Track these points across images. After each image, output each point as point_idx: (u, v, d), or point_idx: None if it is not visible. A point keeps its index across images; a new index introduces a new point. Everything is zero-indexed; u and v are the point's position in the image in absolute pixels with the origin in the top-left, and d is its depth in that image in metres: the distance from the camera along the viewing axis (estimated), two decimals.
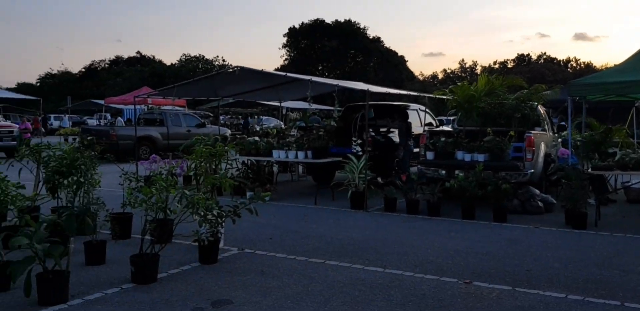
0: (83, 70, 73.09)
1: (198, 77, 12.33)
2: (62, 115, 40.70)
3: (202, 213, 5.34)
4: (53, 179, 6.42)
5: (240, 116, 37.89)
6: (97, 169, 6.95)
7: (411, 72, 68.84)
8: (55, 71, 71.91)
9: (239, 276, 5.13)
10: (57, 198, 6.67)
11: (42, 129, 27.12)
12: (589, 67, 70.44)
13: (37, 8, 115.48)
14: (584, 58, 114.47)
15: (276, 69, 48.06)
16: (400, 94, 12.28)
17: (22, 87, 63.27)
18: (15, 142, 18.05)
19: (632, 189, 9.73)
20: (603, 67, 58.40)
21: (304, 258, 5.81)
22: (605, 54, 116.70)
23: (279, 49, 62.49)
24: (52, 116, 41.45)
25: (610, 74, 8.90)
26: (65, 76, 70.72)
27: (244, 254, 5.95)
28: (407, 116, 11.95)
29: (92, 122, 35.93)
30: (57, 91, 61.01)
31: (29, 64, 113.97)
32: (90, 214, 5.39)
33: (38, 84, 69.53)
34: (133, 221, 6.60)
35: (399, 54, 65.35)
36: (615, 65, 10.40)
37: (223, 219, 5.51)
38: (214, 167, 6.51)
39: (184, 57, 68.11)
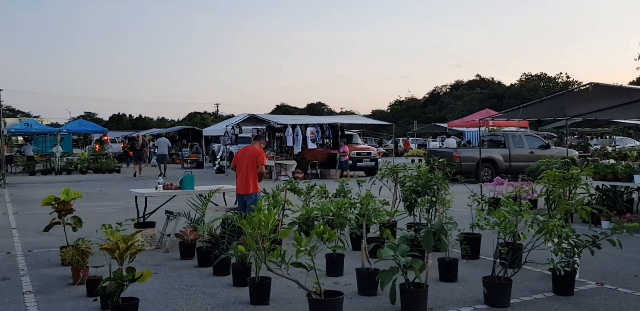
0: (427, 95, 78.53)
1: (544, 98, 11.86)
2: (410, 138, 44.44)
3: (556, 241, 5.10)
4: (410, 197, 7.07)
5: (589, 136, 34.77)
6: (449, 190, 7.36)
7: None
8: (402, 98, 79.28)
9: None
10: (413, 215, 7.30)
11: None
12: None
13: (383, 42, 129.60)
14: None
15: (630, 83, 42.53)
16: None
17: (375, 114, 71.63)
18: (374, 162, 20.52)
19: None
20: None
21: None
22: None
23: (635, 60, 55.23)
24: (401, 139, 45.67)
25: None
26: (412, 102, 77.23)
27: (604, 290, 5.41)
28: None
29: (435, 144, 38.06)
30: (404, 116, 67.00)
31: (381, 93, 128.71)
32: (444, 233, 5.72)
33: (389, 111, 77.63)
34: (481, 242, 6.72)
35: None
36: None
37: (580, 249, 5.15)
38: (568, 192, 6.14)
39: (524, 76, 66.41)
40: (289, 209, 7.67)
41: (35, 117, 46.52)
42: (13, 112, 66.88)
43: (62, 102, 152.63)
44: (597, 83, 9.46)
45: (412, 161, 28.84)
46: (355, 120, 26.01)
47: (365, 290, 5.24)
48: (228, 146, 22.73)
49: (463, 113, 44.38)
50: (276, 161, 19.35)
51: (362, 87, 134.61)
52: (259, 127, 22.19)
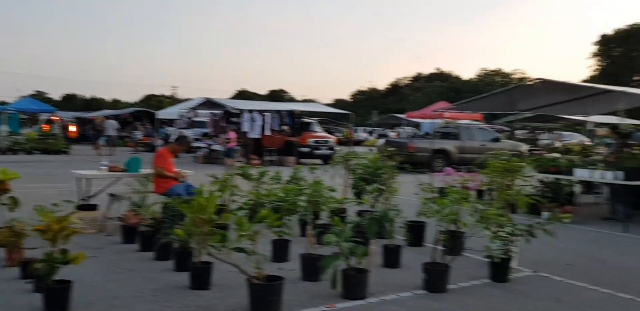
0: (388, 86, 79.26)
1: (495, 91, 12.14)
2: (372, 128, 44.93)
3: (495, 229, 5.26)
4: (359, 185, 7.13)
5: (538, 131, 35.82)
6: (397, 178, 7.45)
7: None
8: (364, 88, 79.83)
9: (533, 300, 4.87)
10: (361, 202, 7.36)
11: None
12: None
13: (347, 32, 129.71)
14: None
15: (582, 81, 43.94)
16: None
17: (337, 103, 71.83)
18: (331, 151, 20.56)
19: None
20: None
21: (609, 291, 5.19)
22: None
23: (586, 59, 57.20)
24: (363, 129, 46.13)
25: None
26: (373, 92, 77.83)
27: (538, 278, 5.61)
28: None
29: (393, 134, 38.51)
30: (365, 105, 67.43)
31: (344, 82, 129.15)
32: (389, 220, 5.80)
33: (351, 100, 78.02)
34: (426, 230, 6.86)
35: None
36: None
37: (516, 237, 5.32)
38: (508, 183, 6.32)
39: (482, 71, 67.79)
40: (237, 194, 7.62)
41: None
42: None
43: (11, 80, 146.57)
44: (545, 79, 9.75)
45: (371, 150, 29.13)
46: (314, 108, 25.99)
47: (309, 276, 5.27)
48: (182, 130, 22.38)
49: (422, 105, 44.96)
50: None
51: (326, 76, 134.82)
52: (215, 111, 21.92)
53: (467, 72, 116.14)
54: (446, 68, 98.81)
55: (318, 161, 20.56)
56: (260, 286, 4.35)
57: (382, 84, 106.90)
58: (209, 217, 4.58)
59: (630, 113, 19.67)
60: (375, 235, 5.46)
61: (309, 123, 22.88)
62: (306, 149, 20.82)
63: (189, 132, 21.49)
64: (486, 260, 5.44)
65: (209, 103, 21.75)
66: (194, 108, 22.60)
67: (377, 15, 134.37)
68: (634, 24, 55.15)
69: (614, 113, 10.63)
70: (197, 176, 8.83)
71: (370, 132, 43.38)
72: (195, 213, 4.52)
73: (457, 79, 69.33)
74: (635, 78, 54.52)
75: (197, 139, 21.93)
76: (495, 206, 5.65)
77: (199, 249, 4.87)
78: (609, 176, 8.85)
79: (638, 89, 14.62)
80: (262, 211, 4.98)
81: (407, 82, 78.19)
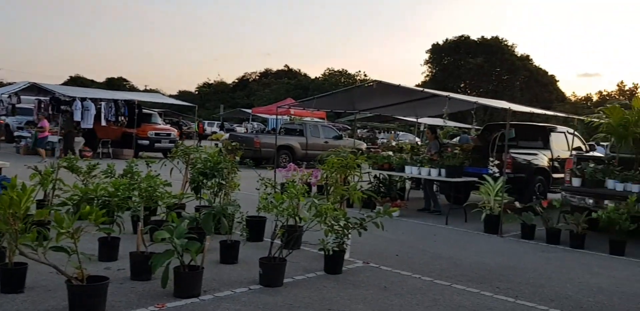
0: (236, 81, 78.72)
1: (337, 90, 12.61)
2: (222, 122, 44.18)
3: (330, 223, 5.42)
4: (198, 179, 6.92)
5: (377, 131, 38.15)
6: (238, 173, 7.38)
7: (562, 93, 64.49)
8: (212, 81, 78.31)
9: (362, 289, 5.10)
10: (200, 197, 7.16)
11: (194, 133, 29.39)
12: None
13: (195, 23, 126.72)
14: None
15: (417, 85, 47.69)
16: (547, 115, 11.53)
17: (182, 95, 69.61)
18: (173, 144, 19.83)
19: None
20: None
21: (429, 278, 5.63)
22: None
23: (421, 65, 62.23)
24: (216, 122, 45.22)
25: None
26: (221, 85, 76.72)
27: (369, 268, 5.91)
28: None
29: (240, 129, 38.37)
30: (212, 99, 66.27)
31: (190, 74, 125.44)
32: (227, 215, 5.69)
33: (197, 92, 76.06)
34: (266, 225, 6.87)
35: (550, 73, 61.74)
36: None
37: (349, 230, 5.54)
38: (344, 178, 6.58)
39: (328, 71, 70.43)
40: (60, 188, 6.96)
41: None
42: None
43: None
44: (381, 81, 10.32)
45: (216, 144, 28.66)
46: (156, 98, 24.88)
47: (139, 275, 4.97)
48: (3, 117, 20.04)
49: (270, 101, 45.45)
50: (59, 137, 17.53)
51: (171, 67, 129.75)
52: (41, 98, 19.93)
53: (314, 71, 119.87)
54: (295, 66, 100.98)
55: (159, 154, 19.74)
56: (80, 287, 3.99)
57: (230, 78, 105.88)
58: (22, 213, 4.09)
59: (454, 116, 21.71)
60: (212, 231, 5.33)
61: (149, 115, 21.83)
62: (146, 142, 19.85)
63: (10, 120, 19.31)
64: (321, 252, 5.60)
65: (35, 88, 19.70)
66: (16, 93, 20.31)
67: (228, 9, 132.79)
68: (461, 36, 61.28)
69: (441, 116, 11.60)
70: (17, 168, 7.93)
71: (222, 127, 42.69)
72: (5, 209, 4.00)
73: (305, 77, 71.23)
74: (462, 85, 60.66)
75: (19, 128, 19.77)
76: (331, 201, 5.83)
77: (12, 249, 4.34)
78: (433, 173, 9.65)
79: (461, 95, 16.18)
80: (83, 207, 4.57)
81: (255, 77, 78.44)
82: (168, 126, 23.34)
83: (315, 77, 69.66)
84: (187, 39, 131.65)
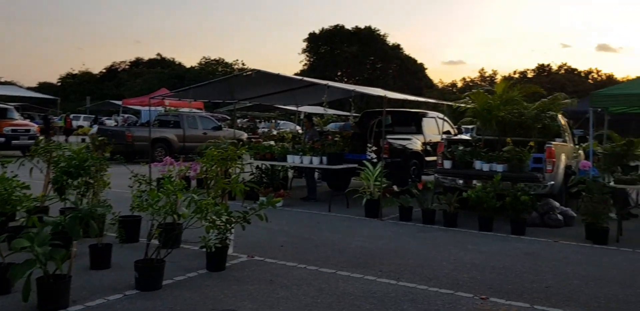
0: (104, 71, 73.99)
1: (214, 79, 12.22)
2: (90, 115, 41.29)
3: (211, 219, 5.19)
4: (61, 179, 6.32)
5: (257, 120, 37.87)
6: (109, 171, 6.85)
7: (430, 80, 68.36)
8: (76, 71, 72.85)
9: (247, 285, 4.95)
10: (65, 199, 6.56)
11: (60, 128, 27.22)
12: (610, 79, 69.20)
13: (57, 8, 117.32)
14: (606, 70, 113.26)
15: (296, 74, 48.01)
16: (418, 101, 12.05)
17: (43, 87, 64.11)
18: (32, 141, 18.14)
19: None
20: (624, 80, 57.40)
21: (314, 267, 5.62)
22: (628, 65, 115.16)
23: (299, 54, 62.80)
24: (82, 116, 42.08)
25: (634, 86, 8.61)
26: (86, 76, 71.62)
27: (253, 262, 5.77)
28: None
29: (110, 122, 36.14)
30: (77, 91, 61.76)
31: (51, 64, 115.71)
32: (96, 217, 5.25)
33: (59, 84, 70.42)
34: (142, 224, 6.46)
35: (418, 61, 65.07)
36: (638, 77, 10.19)
37: (232, 225, 5.35)
38: (224, 171, 6.34)
39: (204, 60, 68.52)
40: None
41: None
42: None
43: None
44: (260, 70, 10.13)
45: (83, 139, 26.78)
46: (12, 92, 22.65)
47: None
48: None
49: (142, 92, 43.23)
50: None
51: (29, 56, 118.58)
52: None
53: (189, 60, 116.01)
54: (168, 54, 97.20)
55: (17, 152, 18.01)
56: None
57: (97, 68, 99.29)
58: None
59: (333, 104, 22.09)
60: (80, 235, 4.88)
61: (5, 109, 19.80)
62: (1, 140, 18.01)
63: None
64: (203, 250, 5.36)
65: None
66: None
67: None
68: (336, 25, 62.53)
69: (321, 104, 11.69)
70: None
71: (95, 120, 39.70)
72: None
73: (180, 66, 68.73)
74: (339, 73, 62.05)
75: None
76: (211, 195, 5.59)
77: None
78: (315, 162, 9.71)
79: (339, 83, 16.44)
80: None
81: (125, 66, 74.27)
82: (27, 121, 21.34)
83: (191, 66, 67.46)
84: (46, 25, 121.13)
